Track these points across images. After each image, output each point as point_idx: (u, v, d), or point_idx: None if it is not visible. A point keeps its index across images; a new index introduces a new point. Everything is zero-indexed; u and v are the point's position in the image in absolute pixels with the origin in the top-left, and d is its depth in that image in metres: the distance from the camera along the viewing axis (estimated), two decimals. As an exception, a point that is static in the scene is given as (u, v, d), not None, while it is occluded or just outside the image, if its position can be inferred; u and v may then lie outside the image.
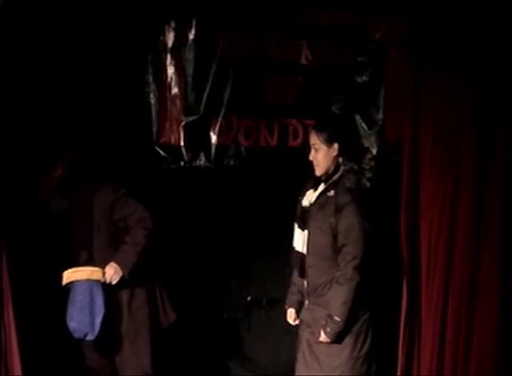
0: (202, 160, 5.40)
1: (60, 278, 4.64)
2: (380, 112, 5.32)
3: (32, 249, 4.79)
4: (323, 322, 4.42)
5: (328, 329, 4.39)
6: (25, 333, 4.57)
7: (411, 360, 4.74)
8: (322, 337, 4.43)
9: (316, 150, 4.48)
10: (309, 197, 4.57)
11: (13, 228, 4.58)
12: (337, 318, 4.37)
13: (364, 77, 5.33)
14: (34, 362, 4.68)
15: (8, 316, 4.48)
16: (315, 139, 4.49)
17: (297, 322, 4.72)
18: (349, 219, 4.38)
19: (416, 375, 4.74)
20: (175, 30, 5.32)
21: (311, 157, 4.51)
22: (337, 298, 4.39)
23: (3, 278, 4.43)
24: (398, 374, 4.73)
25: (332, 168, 4.50)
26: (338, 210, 4.40)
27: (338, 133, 4.49)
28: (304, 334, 4.59)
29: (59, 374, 4.93)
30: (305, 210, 4.56)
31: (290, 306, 4.74)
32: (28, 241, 4.76)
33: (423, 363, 4.72)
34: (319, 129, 4.49)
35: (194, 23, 5.30)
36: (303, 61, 5.36)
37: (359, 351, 4.47)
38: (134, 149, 5.32)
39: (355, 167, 4.54)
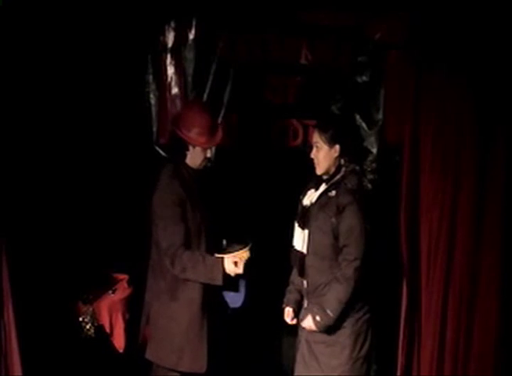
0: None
1: (59, 278, 4.65)
2: (380, 112, 5.32)
3: (32, 249, 4.79)
4: (314, 309, 4.41)
5: (318, 318, 4.39)
6: (25, 333, 4.57)
7: (411, 360, 4.73)
8: (308, 322, 4.43)
9: (318, 148, 4.52)
10: (310, 197, 4.59)
11: (13, 228, 4.58)
12: (329, 312, 4.38)
13: (364, 77, 5.33)
14: (34, 362, 4.68)
15: (8, 316, 4.47)
16: (317, 138, 4.52)
17: (294, 321, 4.73)
18: (350, 220, 4.39)
19: (416, 375, 4.74)
20: (175, 30, 5.32)
21: (312, 155, 4.55)
22: (334, 295, 4.40)
23: (3, 278, 4.42)
24: (398, 374, 4.72)
25: (333, 169, 4.53)
26: (339, 210, 4.41)
27: (340, 134, 4.52)
28: (303, 334, 4.60)
29: (58, 374, 4.93)
30: (306, 209, 4.57)
31: (287, 305, 4.76)
32: (28, 242, 4.76)
33: (423, 363, 4.71)
34: (322, 129, 4.51)
35: (194, 23, 5.30)
36: (303, 61, 5.36)
37: (359, 351, 4.48)
38: (134, 149, 5.32)
39: (357, 168, 4.55)
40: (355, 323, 4.47)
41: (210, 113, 4.77)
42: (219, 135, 4.69)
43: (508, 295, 4.59)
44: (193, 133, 4.60)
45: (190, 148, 4.65)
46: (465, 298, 4.62)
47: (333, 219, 4.42)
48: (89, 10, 4.99)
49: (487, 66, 4.51)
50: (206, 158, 4.68)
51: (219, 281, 4.55)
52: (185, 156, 4.67)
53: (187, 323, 4.67)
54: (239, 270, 4.55)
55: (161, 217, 4.58)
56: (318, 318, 4.41)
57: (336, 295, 4.40)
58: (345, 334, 4.47)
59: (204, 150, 4.65)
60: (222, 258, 4.56)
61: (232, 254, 4.60)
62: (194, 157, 4.67)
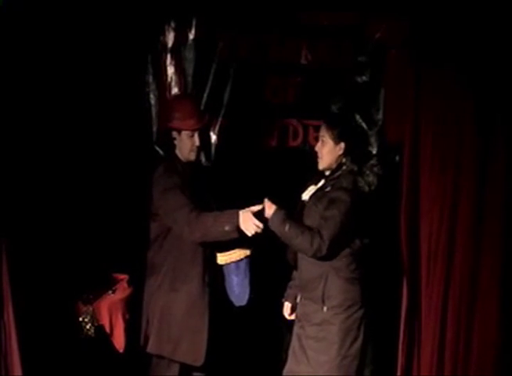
0: (202, 160, 5.40)
1: (59, 278, 4.64)
2: (380, 112, 5.33)
3: (32, 250, 4.79)
4: (284, 214, 4.43)
5: (278, 214, 4.43)
6: (25, 333, 4.57)
7: (411, 360, 4.73)
8: (270, 209, 4.45)
9: (323, 142, 4.58)
10: (309, 192, 4.66)
11: (14, 228, 4.58)
12: (287, 225, 4.40)
13: (364, 77, 5.33)
14: (34, 362, 4.68)
15: (8, 316, 4.48)
16: (323, 132, 4.59)
17: (293, 316, 4.77)
18: (334, 209, 4.43)
19: (416, 375, 4.74)
20: (175, 30, 5.33)
21: (316, 148, 4.63)
22: (301, 231, 4.42)
23: (3, 278, 4.42)
24: (398, 374, 4.73)
25: (334, 166, 4.59)
26: (329, 203, 4.45)
27: (347, 133, 4.57)
28: (295, 329, 4.65)
29: (58, 374, 4.93)
30: (304, 204, 4.63)
31: (286, 300, 4.83)
32: (29, 242, 4.76)
33: (423, 363, 4.71)
34: (331, 125, 4.58)
35: (194, 23, 5.32)
36: (303, 61, 5.37)
37: (348, 349, 4.48)
38: (134, 149, 5.32)
39: (355, 169, 4.56)
40: (345, 320, 4.48)
41: (192, 100, 4.92)
42: (203, 120, 4.73)
43: (508, 295, 4.60)
44: (176, 119, 4.68)
45: (176, 137, 4.70)
46: (465, 298, 4.62)
47: (322, 212, 4.47)
48: (89, 10, 5.00)
49: (487, 66, 4.51)
50: (194, 147, 4.69)
51: (234, 230, 4.49)
52: (174, 148, 4.73)
53: (185, 312, 4.70)
54: (257, 226, 4.45)
55: (166, 201, 4.61)
56: (279, 214, 4.43)
57: (302, 232, 4.40)
58: (334, 330, 4.47)
59: (190, 137, 4.67)
60: (237, 211, 4.52)
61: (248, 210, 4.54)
62: (182, 147, 4.71)
